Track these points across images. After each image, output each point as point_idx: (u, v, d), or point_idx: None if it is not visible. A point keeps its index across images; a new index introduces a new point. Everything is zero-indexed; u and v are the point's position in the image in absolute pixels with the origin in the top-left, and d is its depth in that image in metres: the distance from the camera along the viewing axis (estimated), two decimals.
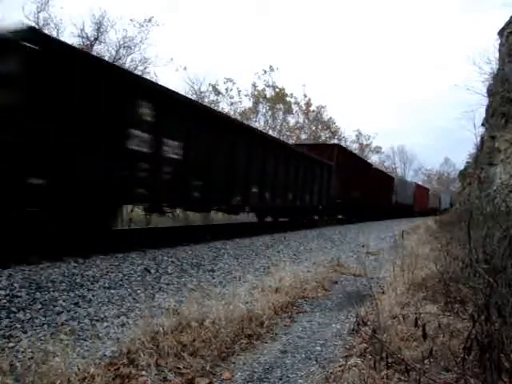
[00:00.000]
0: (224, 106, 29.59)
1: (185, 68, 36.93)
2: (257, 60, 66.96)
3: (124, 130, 6.25)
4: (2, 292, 3.63)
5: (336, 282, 5.81)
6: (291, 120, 34.72)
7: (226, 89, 29.87)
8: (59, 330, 3.00)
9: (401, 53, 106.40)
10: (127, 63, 19.50)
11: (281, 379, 2.70)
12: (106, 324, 3.43)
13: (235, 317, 3.44)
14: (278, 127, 32.89)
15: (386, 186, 28.56)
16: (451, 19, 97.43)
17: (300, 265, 6.70)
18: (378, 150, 50.31)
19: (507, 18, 15.53)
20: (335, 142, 32.86)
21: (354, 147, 41.21)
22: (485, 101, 19.99)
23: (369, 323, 3.27)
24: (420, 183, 52.01)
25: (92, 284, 4.33)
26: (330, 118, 37.33)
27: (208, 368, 2.71)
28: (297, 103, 34.65)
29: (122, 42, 19.43)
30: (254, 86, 31.96)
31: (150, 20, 19.99)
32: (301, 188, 13.65)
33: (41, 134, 4.95)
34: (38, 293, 3.79)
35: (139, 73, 18.17)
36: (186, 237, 7.96)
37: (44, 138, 5.00)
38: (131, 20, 20.94)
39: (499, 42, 16.65)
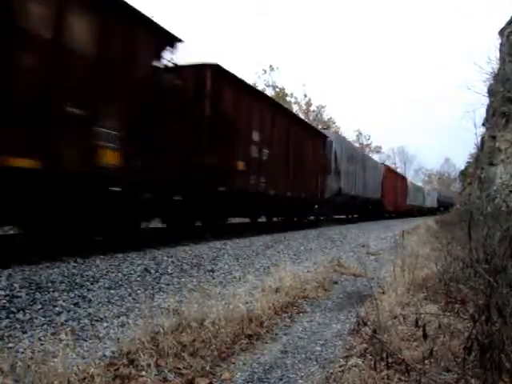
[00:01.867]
0: None
1: None
2: (257, 60, 67.08)
3: None
4: (2, 292, 3.63)
5: (336, 282, 5.80)
6: None
7: None
8: (59, 331, 2.99)
9: (401, 52, 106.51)
10: None
11: (281, 379, 2.69)
12: (105, 324, 3.42)
13: (235, 317, 3.44)
14: None
15: (304, 151, 13.17)
16: (451, 19, 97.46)
17: (300, 265, 6.69)
18: (378, 150, 50.40)
19: (508, 18, 15.53)
20: None
21: None
22: (485, 100, 19.99)
23: (369, 323, 3.26)
24: (390, 166, 37.03)
25: (92, 284, 4.32)
26: (330, 117, 37.46)
27: (208, 368, 2.71)
28: (297, 103, 34.76)
29: None
30: (254, 85, 31.98)
31: None
32: None
33: None
34: (37, 293, 3.78)
35: None
36: (186, 237, 7.94)
37: None
38: None
39: (500, 41, 16.64)
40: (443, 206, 48.79)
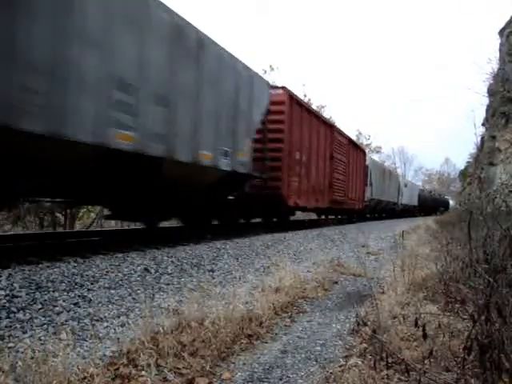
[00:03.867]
0: None
1: None
2: (257, 60, 67.06)
3: None
4: (2, 292, 3.62)
5: (336, 282, 5.80)
6: None
7: None
8: (59, 330, 2.99)
9: (401, 52, 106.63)
10: None
11: (281, 379, 2.70)
12: (105, 324, 3.42)
13: (235, 317, 3.44)
14: None
15: None
16: (452, 19, 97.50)
17: (300, 265, 6.69)
18: (378, 150, 50.18)
19: (508, 18, 15.54)
20: None
21: None
22: (485, 100, 20.01)
23: (369, 323, 3.27)
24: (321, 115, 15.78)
25: (92, 284, 4.32)
26: (330, 117, 37.32)
27: (208, 368, 2.71)
28: None
29: None
30: None
31: None
32: None
33: None
34: (37, 293, 3.78)
35: None
36: (186, 237, 7.95)
37: None
38: None
39: (500, 41, 16.65)
40: (427, 205, 38.19)
